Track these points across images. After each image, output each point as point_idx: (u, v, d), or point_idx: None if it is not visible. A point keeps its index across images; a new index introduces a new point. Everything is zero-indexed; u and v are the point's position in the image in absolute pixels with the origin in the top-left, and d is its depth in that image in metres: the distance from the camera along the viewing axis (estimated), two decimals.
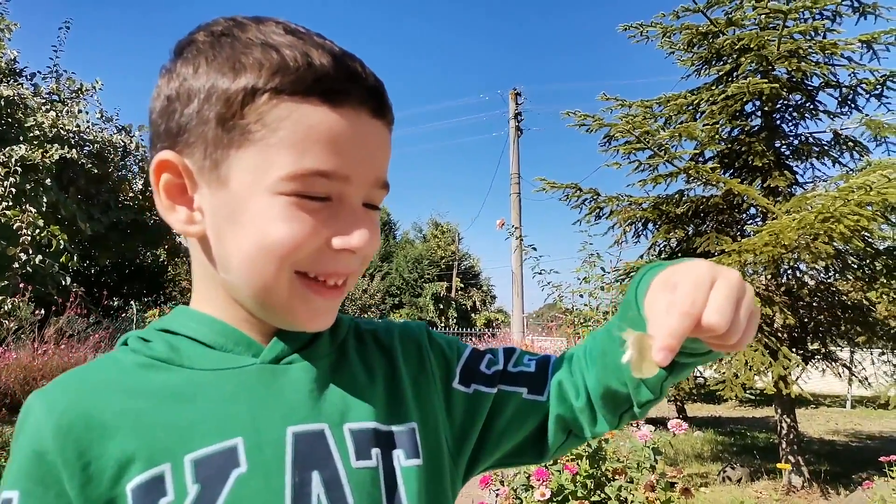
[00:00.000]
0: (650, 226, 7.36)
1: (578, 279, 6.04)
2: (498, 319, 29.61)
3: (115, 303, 10.68)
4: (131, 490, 0.56)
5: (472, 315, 30.63)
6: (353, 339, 0.71)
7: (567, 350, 0.78)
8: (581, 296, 6.00)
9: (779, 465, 4.17)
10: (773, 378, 5.89)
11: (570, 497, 2.89)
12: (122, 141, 9.93)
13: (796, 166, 7.00)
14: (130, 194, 10.58)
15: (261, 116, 0.56)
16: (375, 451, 0.63)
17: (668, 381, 0.66)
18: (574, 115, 6.88)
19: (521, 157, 19.11)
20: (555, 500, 2.80)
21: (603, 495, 2.97)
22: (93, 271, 12.22)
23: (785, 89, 6.53)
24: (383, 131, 0.62)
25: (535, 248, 6.01)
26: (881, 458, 4.22)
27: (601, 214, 7.22)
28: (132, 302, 10.09)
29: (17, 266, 6.51)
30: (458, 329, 25.27)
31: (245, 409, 0.60)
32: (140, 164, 10.49)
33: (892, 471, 4.02)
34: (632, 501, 2.87)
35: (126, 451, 0.56)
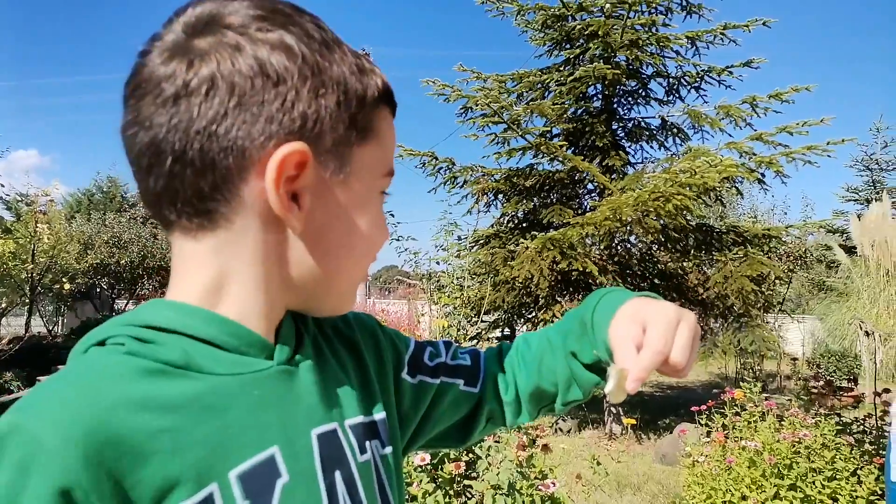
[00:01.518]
0: (500, 196, 7.71)
1: (436, 247, 6.18)
2: None
3: None
4: None
5: None
6: (317, 332, 0.69)
7: (496, 346, 0.87)
8: (438, 263, 6.15)
9: (625, 420, 4.67)
10: None
11: (445, 459, 3.03)
12: None
13: (629, 147, 7.72)
14: None
15: (377, 121, 0.61)
16: (368, 444, 0.65)
17: None
18: (433, 84, 6.94)
19: None
20: (432, 462, 2.93)
21: (473, 455, 3.15)
22: None
23: (624, 76, 7.11)
24: None
25: (392, 215, 6.01)
26: (693, 408, 4.89)
27: (456, 183, 7.42)
28: None
29: None
30: None
31: (275, 415, 0.57)
32: None
33: (700, 417, 4.67)
34: (501, 461, 3.07)
35: (169, 476, 0.50)
